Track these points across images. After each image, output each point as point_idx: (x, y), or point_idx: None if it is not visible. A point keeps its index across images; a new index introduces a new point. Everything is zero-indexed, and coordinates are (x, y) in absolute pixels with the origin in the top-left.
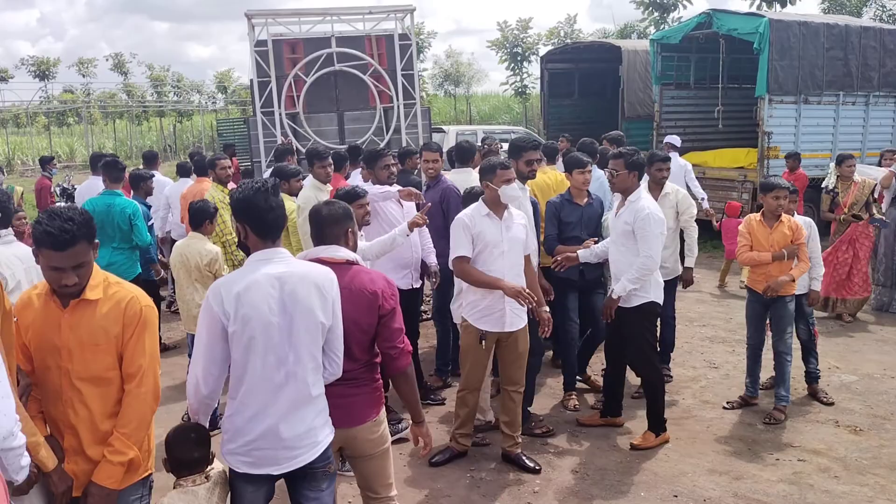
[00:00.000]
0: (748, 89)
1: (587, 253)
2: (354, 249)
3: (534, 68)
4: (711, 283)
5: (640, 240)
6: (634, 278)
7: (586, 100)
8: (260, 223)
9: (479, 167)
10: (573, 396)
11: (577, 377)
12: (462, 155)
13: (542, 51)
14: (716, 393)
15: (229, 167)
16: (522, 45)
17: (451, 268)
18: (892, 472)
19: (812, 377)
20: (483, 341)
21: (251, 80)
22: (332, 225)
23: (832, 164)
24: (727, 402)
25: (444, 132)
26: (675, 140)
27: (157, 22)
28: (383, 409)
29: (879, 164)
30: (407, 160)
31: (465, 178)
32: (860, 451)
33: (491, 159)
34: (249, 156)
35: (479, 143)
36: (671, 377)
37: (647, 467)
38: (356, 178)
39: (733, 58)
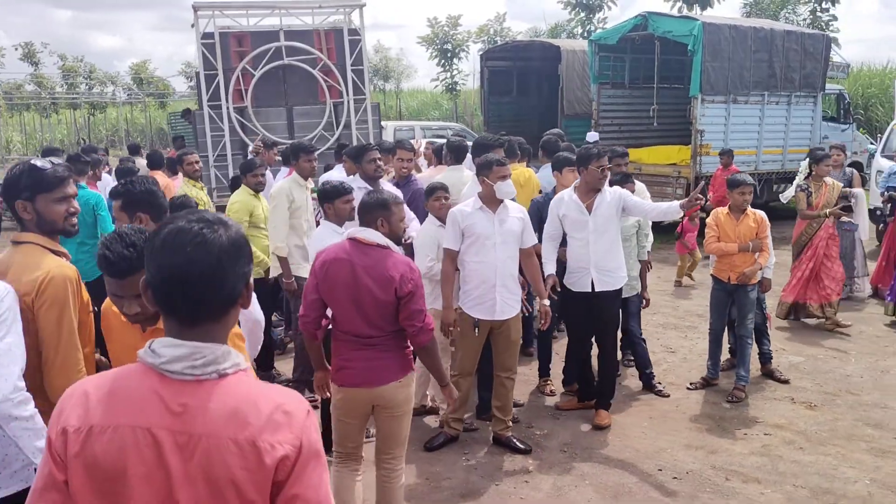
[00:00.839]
0: (681, 89)
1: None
2: (394, 237)
3: (464, 65)
4: (654, 273)
5: (634, 207)
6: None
7: (525, 97)
8: None
9: (479, 162)
10: (549, 382)
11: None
12: (457, 153)
13: (473, 48)
14: (678, 375)
15: (197, 162)
16: (452, 41)
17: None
18: (849, 443)
19: (766, 357)
20: (477, 328)
21: (197, 74)
22: (366, 212)
23: (804, 163)
24: (690, 384)
25: (383, 128)
26: (593, 136)
27: (59, 10)
28: (410, 373)
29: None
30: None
31: (457, 176)
32: (818, 425)
33: (488, 156)
34: (196, 150)
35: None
36: (668, 394)
37: (629, 445)
38: (340, 173)
39: (667, 59)
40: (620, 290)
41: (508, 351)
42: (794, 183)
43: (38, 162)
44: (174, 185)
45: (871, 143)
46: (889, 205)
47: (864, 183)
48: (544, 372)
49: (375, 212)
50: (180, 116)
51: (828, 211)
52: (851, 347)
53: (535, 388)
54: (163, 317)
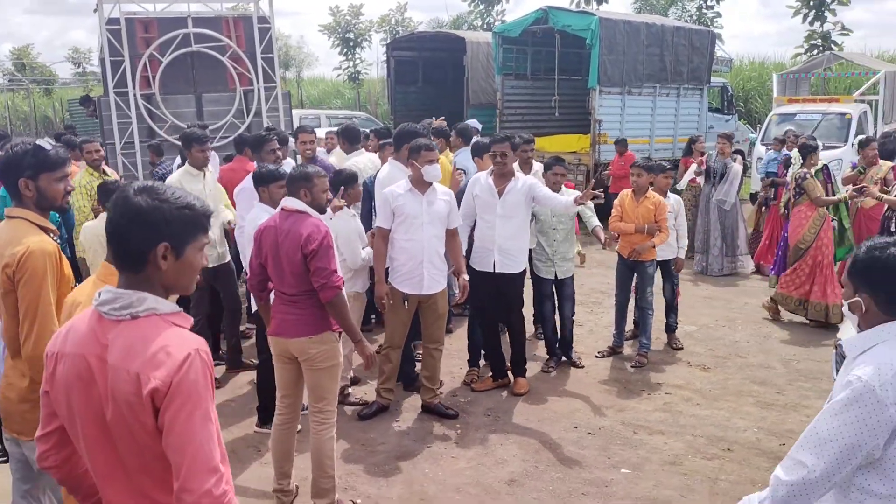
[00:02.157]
0: (579, 80)
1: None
2: (316, 205)
3: (366, 54)
4: None
5: (543, 198)
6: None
7: (430, 87)
8: None
9: (409, 147)
10: (474, 371)
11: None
12: (351, 136)
13: (376, 37)
14: (586, 345)
15: (98, 151)
16: (354, 30)
17: None
18: (739, 398)
19: (670, 328)
20: (406, 302)
21: (102, 60)
22: (291, 183)
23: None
24: (598, 352)
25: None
26: (473, 123)
27: None
28: (327, 334)
29: (689, 150)
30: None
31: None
32: (711, 384)
33: (419, 141)
34: (102, 137)
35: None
36: (582, 364)
37: (546, 407)
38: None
39: (566, 52)
40: (522, 272)
41: (436, 324)
42: (691, 170)
43: (41, 142)
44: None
45: (752, 133)
46: (771, 189)
47: (747, 170)
48: (472, 363)
49: (299, 183)
50: (79, 103)
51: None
52: (738, 317)
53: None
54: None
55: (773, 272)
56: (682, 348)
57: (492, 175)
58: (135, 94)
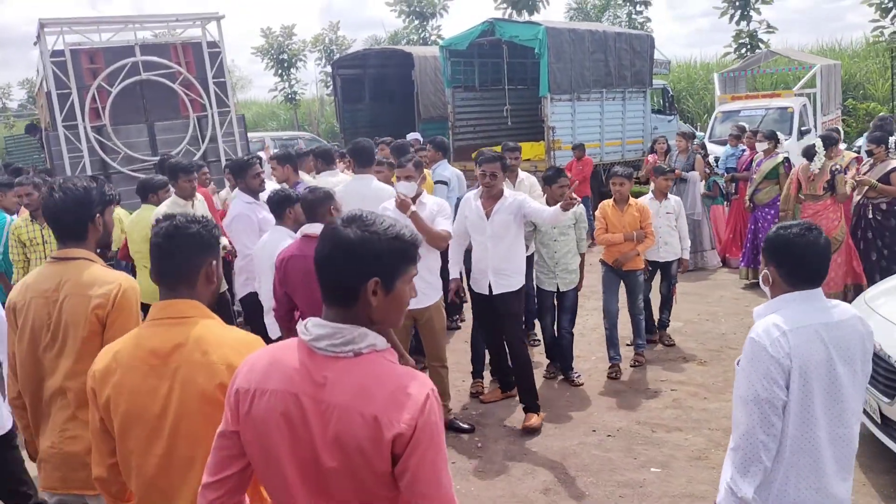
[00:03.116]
0: (528, 89)
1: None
2: None
3: (302, 74)
4: None
5: (533, 213)
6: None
7: (378, 104)
8: None
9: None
10: (479, 383)
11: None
12: (326, 157)
13: (311, 57)
14: (581, 349)
15: (31, 194)
16: (288, 51)
17: None
18: None
19: (663, 325)
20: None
21: (48, 93)
22: (312, 207)
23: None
24: (609, 376)
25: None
26: (414, 135)
27: None
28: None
29: (652, 150)
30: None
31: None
32: (713, 377)
33: (408, 157)
34: (51, 172)
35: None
36: (581, 382)
37: (559, 413)
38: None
39: (514, 62)
40: (519, 290)
41: (435, 341)
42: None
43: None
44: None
45: (694, 131)
46: (732, 184)
47: (711, 168)
48: (476, 374)
49: (323, 204)
50: (25, 132)
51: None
52: (718, 310)
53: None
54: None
55: (742, 264)
56: (674, 344)
57: (480, 196)
58: (85, 127)
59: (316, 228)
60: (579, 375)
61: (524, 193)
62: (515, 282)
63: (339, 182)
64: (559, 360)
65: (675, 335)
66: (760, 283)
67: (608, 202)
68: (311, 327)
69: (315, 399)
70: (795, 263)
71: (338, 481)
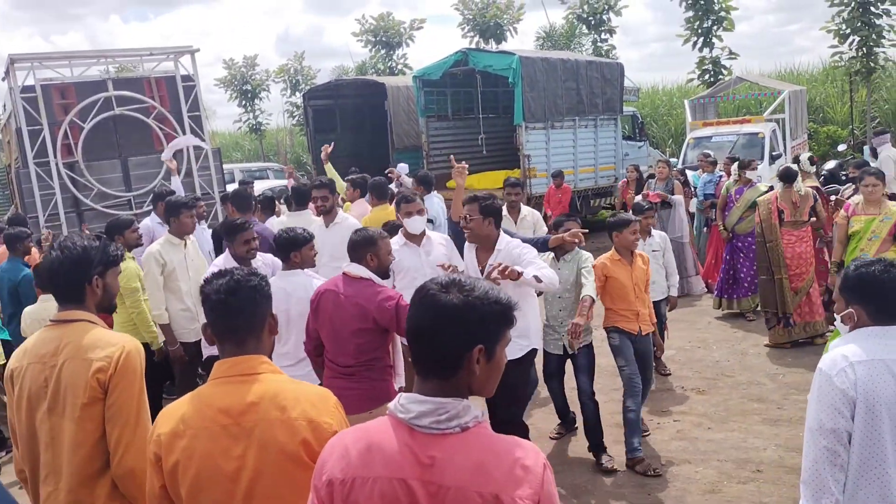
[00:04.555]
0: (501, 118)
1: None
2: (381, 270)
3: (266, 104)
4: None
5: (529, 263)
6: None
7: (350, 134)
8: None
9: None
10: None
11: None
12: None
13: (275, 88)
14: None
15: None
16: (252, 82)
17: None
18: (745, 418)
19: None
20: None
21: (18, 130)
22: (355, 249)
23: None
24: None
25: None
26: (404, 168)
27: None
28: (383, 405)
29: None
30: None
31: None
32: (713, 406)
33: (404, 192)
34: (23, 210)
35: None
36: (615, 469)
37: (564, 449)
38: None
39: (487, 90)
40: (521, 358)
41: None
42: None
43: (93, 236)
44: None
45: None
46: (712, 210)
47: (691, 195)
48: None
49: (364, 248)
50: None
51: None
52: (708, 337)
53: None
54: (416, 375)
55: (716, 294)
56: (670, 373)
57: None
58: (57, 164)
59: (356, 269)
60: (611, 460)
61: (520, 243)
62: (520, 346)
63: (313, 222)
64: (589, 437)
65: (669, 363)
66: (839, 322)
67: (607, 256)
68: (409, 404)
69: (425, 482)
70: (883, 300)
71: None
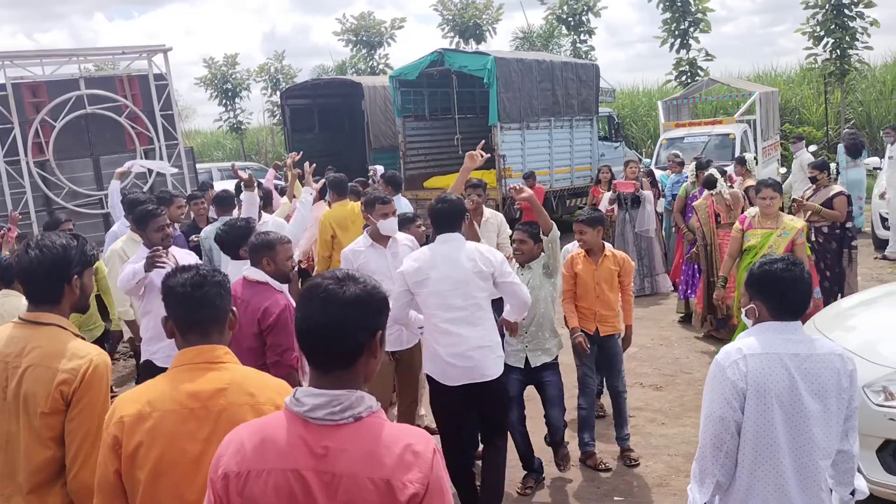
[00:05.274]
0: (478, 118)
1: None
2: (279, 274)
3: (246, 104)
4: None
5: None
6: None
7: (327, 133)
8: None
9: (364, 200)
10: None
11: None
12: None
13: (256, 87)
14: None
15: None
16: (232, 81)
17: None
18: (698, 413)
19: None
20: (392, 360)
21: None
22: (253, 251)
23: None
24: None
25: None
26: (379, 169)
27: None
28: None
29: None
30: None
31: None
32: (669, 402)
33: (375, 193)
34: None
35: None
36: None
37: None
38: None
39: (463, 91)
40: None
41: (413, 379)
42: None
43: (68, 233)
44: None
45: (641, 158)
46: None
47: (659, 194)
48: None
49: (261, 252)
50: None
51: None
52: (671, 335)
53: None
54: (309, 365)
55: (681, 297)
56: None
57: None
58: (27, 162)
59: (254, 273)
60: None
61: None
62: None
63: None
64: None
65: (630, 360)
66: (744, 316)
67: (578, 252)
68: (304, 398)
69: (318, 472)
70: (782, 297)
71: None
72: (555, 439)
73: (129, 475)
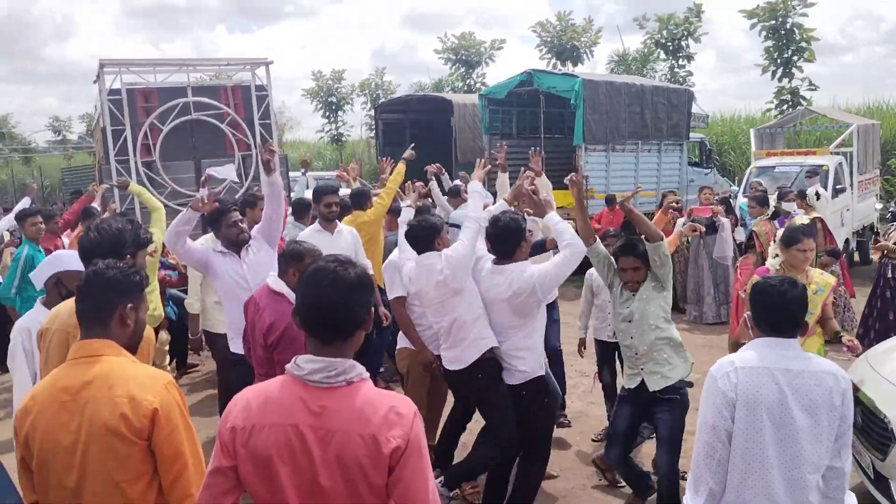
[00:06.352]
0: (563, 138)
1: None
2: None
3: (348, 116)
4: None
5: None
6: None
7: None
8: None
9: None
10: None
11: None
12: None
13: (358, 101)
14: (596, 396)
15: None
16: (337, 94)
17: None
18: None
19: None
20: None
21: (103, 129)
22: (282, 261)
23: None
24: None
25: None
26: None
27: None
28: None
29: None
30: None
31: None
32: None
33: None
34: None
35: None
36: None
37: (555, 456)
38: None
39: (550, 111)
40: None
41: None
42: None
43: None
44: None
45: (732, 185)
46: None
47: (737, 222)
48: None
49: (289, 261)
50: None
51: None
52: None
53: None
54: (306, 337)
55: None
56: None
57: None
58: (135, 162)
59: (274, 282)
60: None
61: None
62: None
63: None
64: None
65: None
66: (740, 327)
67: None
68: (304, 364)
69: (314, 427)
70: (777, 314)
71: (336, 496)
72: (646, 483)
73: (25, 463)
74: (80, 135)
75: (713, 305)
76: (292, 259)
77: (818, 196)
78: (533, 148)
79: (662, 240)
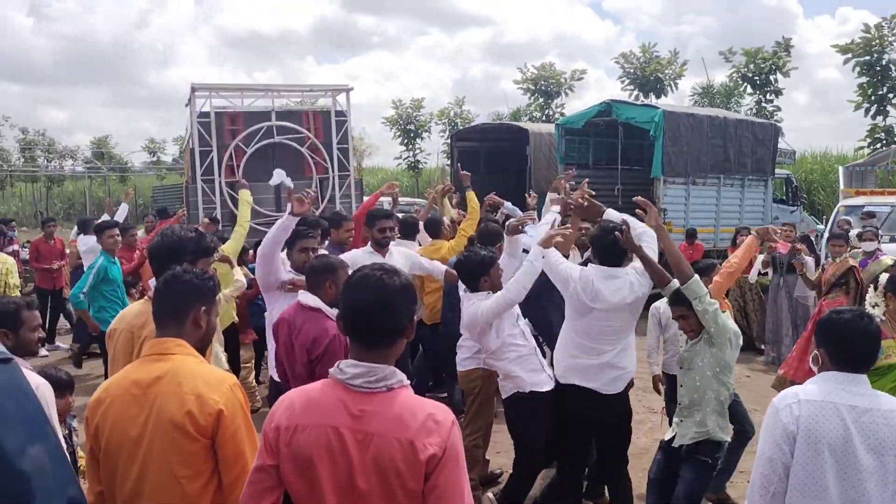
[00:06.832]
0: (641, 170)
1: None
2: (335, 300)
3: (426, 144)
4: None
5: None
6: None
7: (492, 176)
8: None
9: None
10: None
11: None
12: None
13: (435, 129)
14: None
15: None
16: (415, 122)
17: None
18: None
19: None
20: None
21: (192, 150)
22: (313, 274)
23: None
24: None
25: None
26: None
27: (9, 84)
28: None
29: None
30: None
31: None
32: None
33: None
34: (188, 221)
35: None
36: None
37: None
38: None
39: (629, 142)
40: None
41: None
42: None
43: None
44: None
45: (818, 224)
46: None
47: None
48: None
49: (323, 275)
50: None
51: None
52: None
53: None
54: (350, 342)
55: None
56: None
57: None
58: (220, 182)
59: (307, 298)
60: None
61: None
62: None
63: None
64: None
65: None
66: (811, 363)
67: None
68: (346, 368)
69: (353, 430)
70: (845, 348)
71: (371, 501)
72: None
73: (93, 454)
74: (173, 157)
75: (791, 347)
76: (326, 272)
77: (860, 237)
78: (585, 180)
79: (689, 280)
